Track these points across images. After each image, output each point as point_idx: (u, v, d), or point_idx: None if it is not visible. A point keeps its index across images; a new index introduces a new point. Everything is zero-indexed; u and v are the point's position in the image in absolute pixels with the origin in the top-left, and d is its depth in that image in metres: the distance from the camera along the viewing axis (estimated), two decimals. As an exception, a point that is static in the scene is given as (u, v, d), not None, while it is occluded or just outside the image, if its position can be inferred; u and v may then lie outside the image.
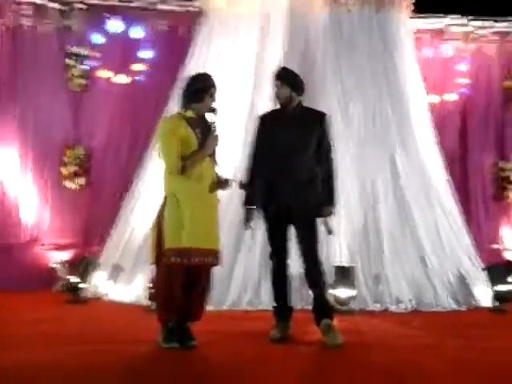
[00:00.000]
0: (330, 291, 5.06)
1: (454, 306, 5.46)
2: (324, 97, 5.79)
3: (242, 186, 3.99)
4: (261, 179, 3.99)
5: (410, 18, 6.58)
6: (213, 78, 3.90)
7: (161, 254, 3.66)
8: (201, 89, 3.78)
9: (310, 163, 3.92)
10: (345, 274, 5.18)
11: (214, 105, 3.82)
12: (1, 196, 6.88)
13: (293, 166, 3.89)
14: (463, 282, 5.64)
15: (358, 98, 5.94)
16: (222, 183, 3.81)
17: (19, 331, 4.32)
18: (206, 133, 3.76)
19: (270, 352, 3.67)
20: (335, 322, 3.95)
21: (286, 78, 3.98)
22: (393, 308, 5.34)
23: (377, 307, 5.33)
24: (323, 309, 3.92)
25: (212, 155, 3.80)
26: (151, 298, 4.94)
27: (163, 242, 3.64)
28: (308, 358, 3.62)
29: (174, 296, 3.66)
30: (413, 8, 6.50)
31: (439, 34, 7.39)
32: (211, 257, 3.73)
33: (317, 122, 3.99)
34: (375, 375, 3.13)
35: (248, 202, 4.04)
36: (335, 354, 3.62)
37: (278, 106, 4.06)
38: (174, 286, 3.65)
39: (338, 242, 5.45)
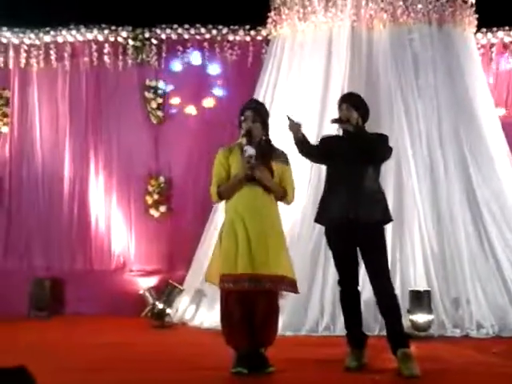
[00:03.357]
0: (407, 316, 4.98)
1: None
2: (390, 118, 5.75)
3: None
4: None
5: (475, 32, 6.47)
6: (252, 101, 4.11)
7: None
8: (240, 116, 3.99)
9: (370, 181, 3.90)
10: (421, 299, 5.07)
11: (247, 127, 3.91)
12: (92, 225, 7.30)
13: (352, 182, 3.86)
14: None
15: (426, 118, 5.84)
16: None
17: (102, 354, 4.59)
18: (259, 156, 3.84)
19: (343, 380, 3.67)
20: (412, 348, 3.87)
21: (354, 102, 3.99)
22: (473, 333, 5.17)
23: (456, 333, 5.18)
24: (399, 337, 3.84)
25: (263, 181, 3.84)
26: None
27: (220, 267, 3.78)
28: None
29: (234, 322, 3.76)
30: (476, 23, 6.35)
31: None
32: (267, 282, 3.73)
33: (377, 143, 3.94)
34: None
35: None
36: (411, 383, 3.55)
37: (341, 132, 4.07)
38: (233, 311, 3.75)
39: (414, 266, 5.37)
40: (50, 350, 4.74)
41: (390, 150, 4.01)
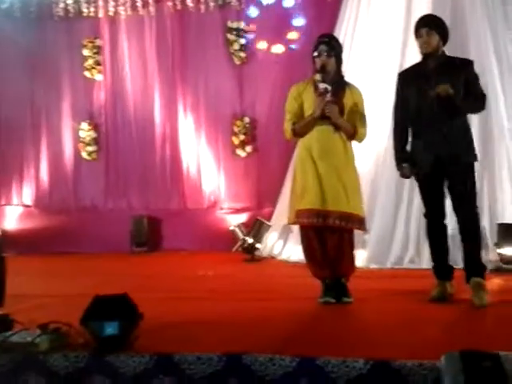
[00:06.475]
0: (495, 250, 4.98)
1: None
2: (477, 48, 5.52)
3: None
4: (406, 140, 3.96)
5: None
6: (325, 35, 3.97)
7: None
8: (313, 51, 3.89)
9: (459, 121, 3.79)
10: (509, 232, 5.01)
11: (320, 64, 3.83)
12: (184, 166, 7.62)
13: (441, 119, 3.76)
14: None
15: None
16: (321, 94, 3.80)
17: (200, 285, 4.90)
18: (334, 93, 3.78)
19: (427, 309, 3.72)
20: (499, 281, 3.90)
21: (435, 25, 3.80)
22: None
23: (546, 266, 5.07)
24: (474, 266, 3.82)
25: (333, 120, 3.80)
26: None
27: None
28: (463, 315, 3.60)
29: (315, 255, 3.89)
30: None
31: None
32: (336, 219, 3.77)
33: (463, 70, 3.78)
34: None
35: (400, 162, 3.99)
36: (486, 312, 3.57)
37: (419, 60, 3.89)
38: (312, 245, 3.89)
39: (502, 199, 5.29)
40: (150, 281, 5.11)
41: (484, 97, 3.84)
